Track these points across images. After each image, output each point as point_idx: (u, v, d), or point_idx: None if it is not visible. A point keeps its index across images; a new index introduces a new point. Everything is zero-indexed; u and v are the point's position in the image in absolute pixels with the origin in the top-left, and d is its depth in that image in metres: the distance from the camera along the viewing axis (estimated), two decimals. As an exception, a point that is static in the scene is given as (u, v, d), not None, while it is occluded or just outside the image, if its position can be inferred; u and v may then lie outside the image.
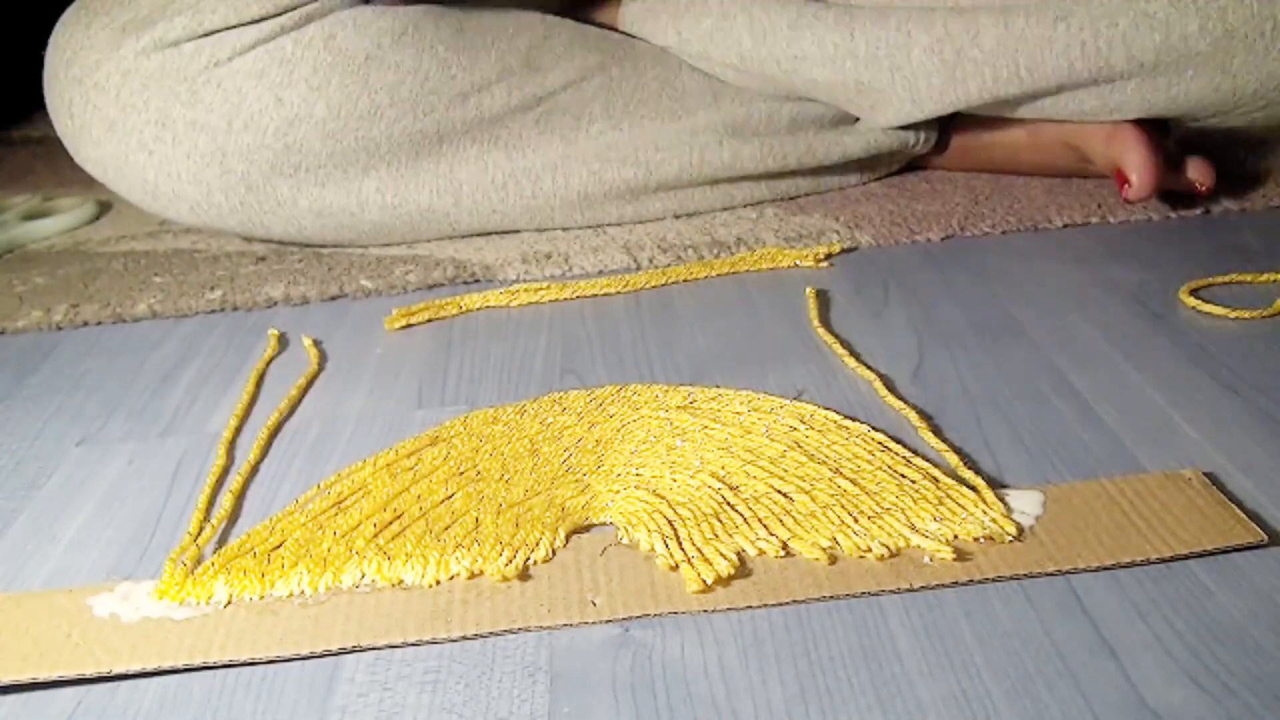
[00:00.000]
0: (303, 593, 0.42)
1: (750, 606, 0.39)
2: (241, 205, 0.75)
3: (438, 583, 0.42)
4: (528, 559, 0.42)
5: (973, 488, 0.44)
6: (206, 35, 0.72)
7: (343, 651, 0.39)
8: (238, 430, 0.55)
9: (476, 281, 0.72)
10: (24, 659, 0.39)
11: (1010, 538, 0.41)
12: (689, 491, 0.46)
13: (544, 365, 0.59)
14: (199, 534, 0.46)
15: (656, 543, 0.42)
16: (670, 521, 0.44)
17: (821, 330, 0.60)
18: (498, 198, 0.77)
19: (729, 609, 0.39)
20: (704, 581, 0.40)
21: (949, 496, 0.44)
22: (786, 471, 0.46)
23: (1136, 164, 0.73)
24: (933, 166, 0.87)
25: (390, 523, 0.45)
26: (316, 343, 0.64)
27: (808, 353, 0.58)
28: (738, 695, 0.35)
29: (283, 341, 0.65)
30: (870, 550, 0.41)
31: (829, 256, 0.71)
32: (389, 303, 0.69)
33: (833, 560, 0.41)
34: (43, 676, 0.38)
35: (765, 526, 0.43)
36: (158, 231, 0.86)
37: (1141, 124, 0.73)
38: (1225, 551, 0.40)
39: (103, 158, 0.76)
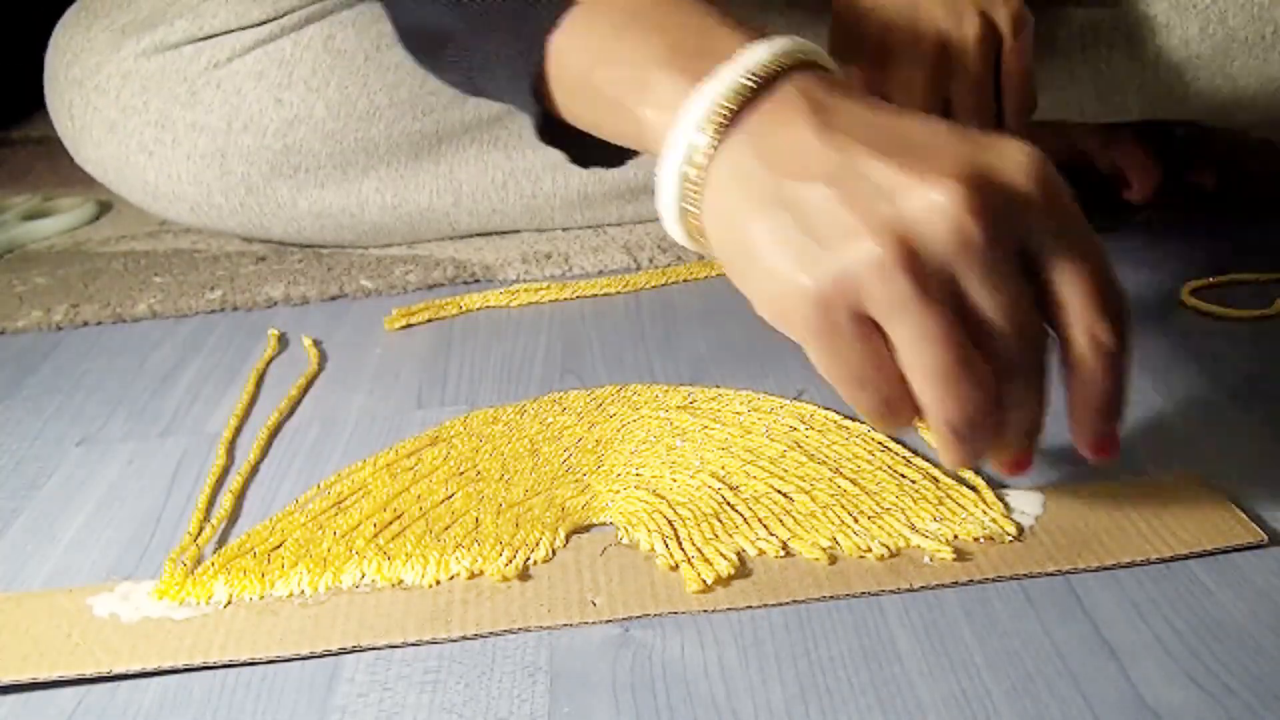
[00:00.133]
0: (303, 593, 0.42)
1: (750, 607, 0.39)
2: (241, 206, 0.75)
3: (438, 583, 0.42)
4: (528, 559, 0.42)
5: (973, 488, 0.44)
6: (206, 38, 0.72)
7: (343, 651, 0.39)
8: (238, 430, 0.55)
9: (476, 281, 0.72)
10: (24, 659, 0.39)
11: (1010, 538, 0.41)
12: (689, 491, 0.46)
13: (544, 365, 0.59)
14: (199, 534, 0.46)
15: (656, 543, 0.42)
16: (670, 521, 0.44)
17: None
18: (498, 198, 0.77)
19: (729, 609, 0.39)
20: (704, 581, 0.40)
21: (949, 496, 0.44)
22: (786, 471, 0.46)
23: (1137, 165, 0.73)
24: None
25: (390, 523, 0.45)
26: (316, 343, 0.64)
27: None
28: (738, 695, 0.35)
29: (283, 341, 0.65)
30: (870, 550, 0.41)
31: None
32: (389, 303, 0.69)
33: (833, 560, 0.41)
34: (43, 676, 0.38)
35: (765, 526, 0.43)
36: (158, 231, 0.86)
37: (1142, 125, 0.73)
38: (1225, 552, 0.40)
39: (103, 159, 0.76)
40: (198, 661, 0.38)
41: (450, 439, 0.51)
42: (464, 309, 0.68)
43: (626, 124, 0.42)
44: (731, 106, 0.37)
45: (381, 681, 0.37)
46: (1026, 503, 0.43)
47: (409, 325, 0.66)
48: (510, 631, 0.39)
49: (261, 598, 0.41)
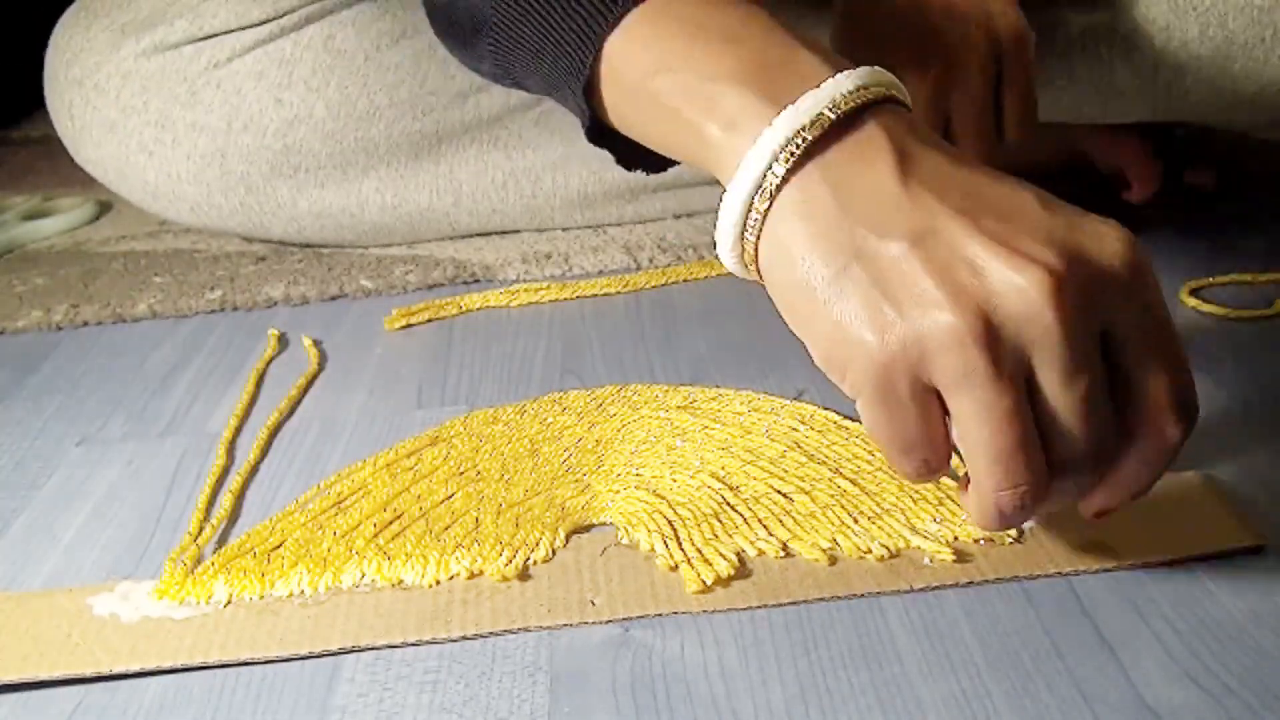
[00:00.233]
0: (302, 593, 0.42)
1: (750, 607, 0.39)
2: (241, 206, 0.75)
3: (437, 583, 0.42)
4: (527, 559, 0.42)
5: (973, 488, 0.44)
6: (206, 38, 0.72)
7: (342, 651, 0.39)
8: (238, 430, 0.55)
9: (476, 281, 0.72)
10: (24, 659, 0.39)
11: (1010, 539, 0.41)
12: (689, 492, 0.46)
13: (544, 365, 0.59)
14: (199, 534, 0.46)
15: (656, 543, 0.42)
16: (670, 522, 0.44)
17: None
18: (498, 198, 0.77)
19: (729, 610, 0.39)
20: (703, 582, 0.40)
21: (949, 497, 0.44)
22: (786, 472, 0.46)
23: (1137, 165, 0.73)
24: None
25: (390, 523, 0.45)
26: (316, 343, 0.64)
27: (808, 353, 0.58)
28: (738, 695, 0.35)
29: (283, 341, 0.65)
30: (870, 551, 0.41)
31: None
32: (389, 303, 0.69)
33: (832, 561, 0.41)
34: (43, 676, 0.38)
35: (765, 527, 0.43)
36: (158, 231, 0.86)
37: (1142, 125, 0.73)
38: (1225, 555, 0.40)
39: (103, 159, 0.76)
40: (197, 661, 0.38)
41: (450, 439, 0.51)
42: (464, 309, 0.68)
43: (684, 136, 0.40)
44: (813, 138, 0.36)
45: (381, 681, 0.37)
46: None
47: (409, 325, 0.66)
48: (510, 632, 0.39)
49: (261, 598, 0.41)
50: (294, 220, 0.76)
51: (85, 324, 0.70)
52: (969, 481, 0.36)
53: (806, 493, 0.45)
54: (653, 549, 0.42)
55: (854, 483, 0.45)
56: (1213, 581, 0.39)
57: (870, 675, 0.36)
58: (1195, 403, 0.35)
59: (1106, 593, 0.39)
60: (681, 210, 0.80)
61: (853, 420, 0.50)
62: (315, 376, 0.60)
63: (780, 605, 0.39)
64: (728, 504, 0.45)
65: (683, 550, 0.42)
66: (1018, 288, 0.33)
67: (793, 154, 0.36)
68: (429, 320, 0.67)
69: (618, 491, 0.46)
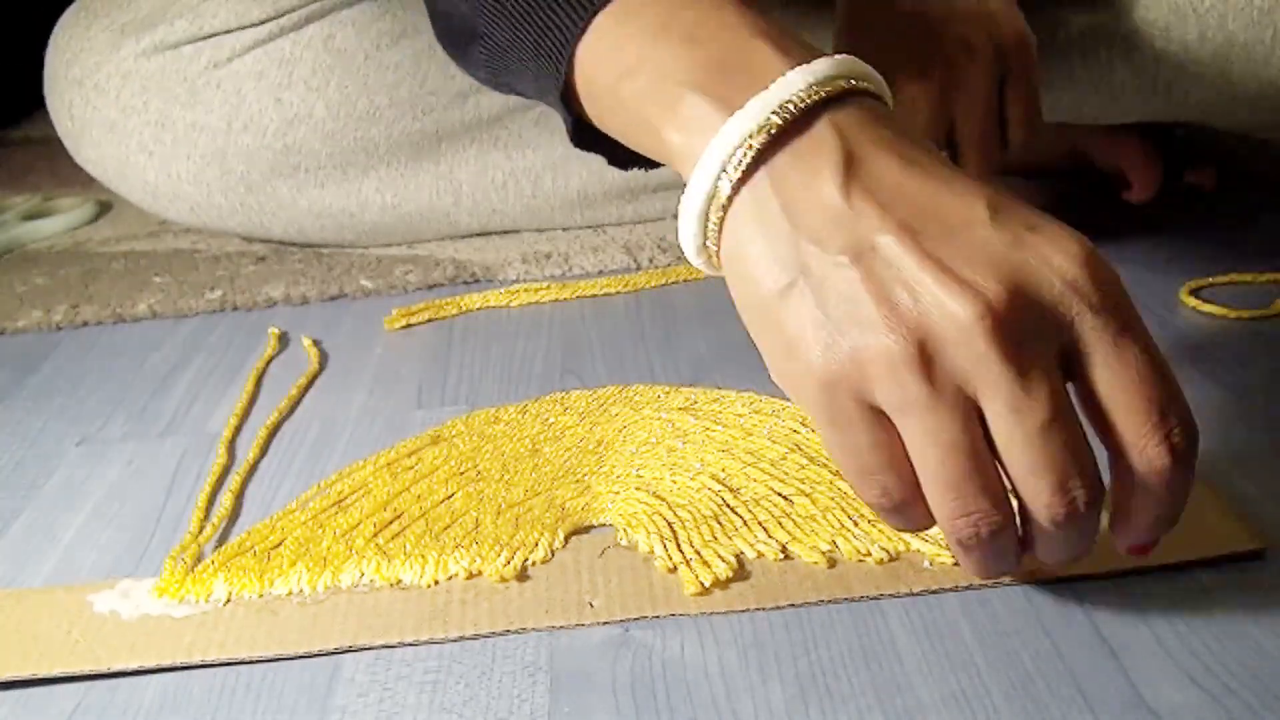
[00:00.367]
0: (301, 592, 0.42)
1: (748, 610, 0.39)
2: (242, 206, 0.75)
3: (436, 583, 0.42)
4: (526, 560, 0.42)
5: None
6: (206, 38, 0.72)
7: (340, 651, 0.39)
8: (238, 430, 0.55)
9: (476, 281, 0.72)
10: (24, 656, 0.39)
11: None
12: (689, 493, 0.46)
13: (544, 365, 0.59)
14: (199, 533, 0.46)
15: (655, 544, 0.42)
16: (670, 523, 0.44)
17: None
18: (498, 198, 0.77)
19: (727, 612, 0.39)
20: (702, 584, 0.40)
21: (949, 497, 0.44)
22: (787, 474, 0.46)
23: (1137, 165, 0.73)
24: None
25: (390, 522, 0.45)
26: (316, 343, 0.64)
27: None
28: (738, 695, 0.35)
29: (283, 341, 0.65)
30: (870, 554, 0.41)
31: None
32: (389, 303, 0.69)
33: (832, 564, 0.41)
34: (43, 673, 0.38)
35: (765, 529, 0.43)
36: (158, 231, 0.86)
37: (1142, 125, 0.73)
38: (1225, 559, 0.40)
39: (103, 159, 0.76)
40: (196, 660, 0.38)
41: (451, 439, 0.51)
42: (464, 309, 0.68)
43: (652, 140, 0.39)
44: (760, 144, 0.35)
45: (381, 681, 0.37)
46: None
47: (409, 325, 0.66)
48: (510, 632, 0.39)
49: (260, 596, 0.41)
50: (294, 220, 0.76)
51: (85, 324, 0.70)
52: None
53: (807, 495, 0.45)
54: (652, 550, 0.42)
55: (854, 483, 0.45)
56: (1213, 582, 0.39)
57: (870, 675, 0.36)
58: (1185, 419, 0.33)
59: (1106, 593, 0.39)
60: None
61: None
62: (315, 376, 0.60)
63: (780, 608, 0.39)
64: (728, 506, 0.45)
65: (681, 552, 0.42)
66: (951, 315, 0.32)
67: (740, 162, 0.35)
68: (429, 320, 0.67)
69: (617, 493, 0.46)
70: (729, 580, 0.40)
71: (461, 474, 0.48)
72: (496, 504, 0.46)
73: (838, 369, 0.33)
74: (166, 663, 0.38)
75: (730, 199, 0.36)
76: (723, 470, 0.47)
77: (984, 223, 0.33)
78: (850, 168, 0.34)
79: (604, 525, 0.45)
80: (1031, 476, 0.32)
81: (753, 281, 0.36)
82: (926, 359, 0.32)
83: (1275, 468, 0.45)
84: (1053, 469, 0.32)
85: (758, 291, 0.35)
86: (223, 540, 0.46)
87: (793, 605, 0.39)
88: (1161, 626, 0.37)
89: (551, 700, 0.36)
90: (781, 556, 0.41)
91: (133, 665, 0.38)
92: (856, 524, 0.43)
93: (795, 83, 0.35)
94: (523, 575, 0.42)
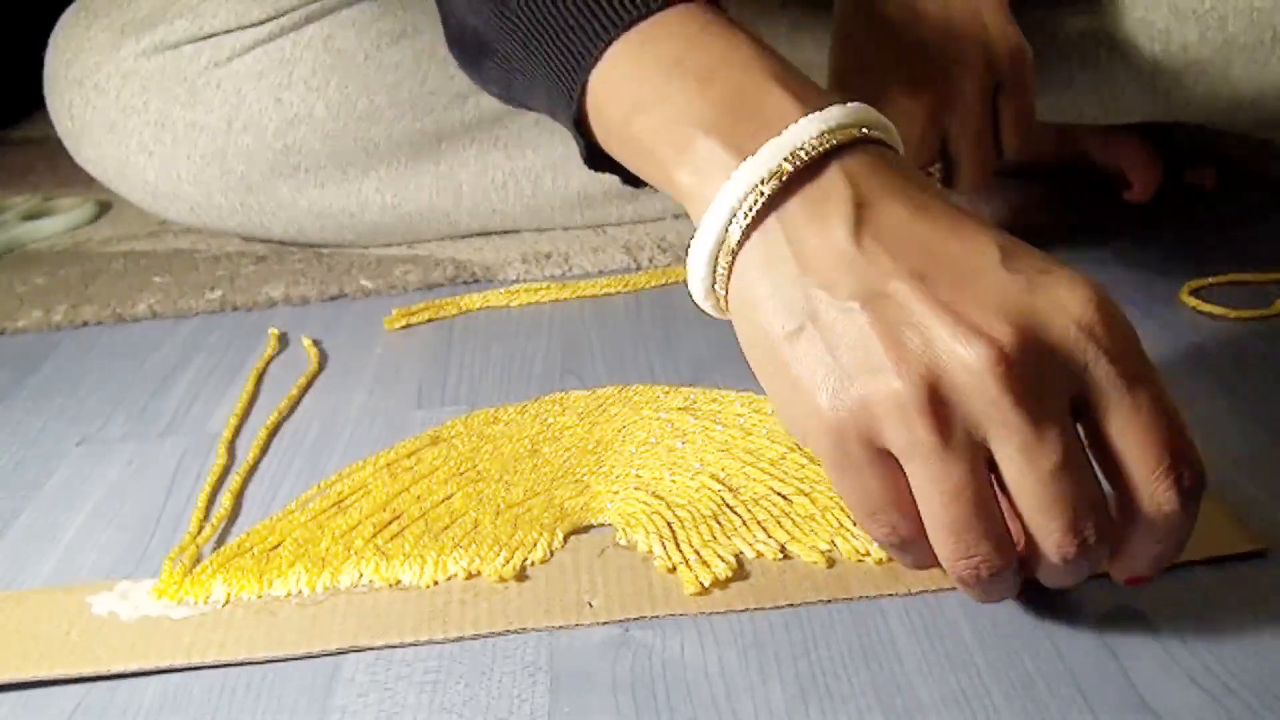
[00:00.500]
0: (300, 592, 0.42)
1: (748, 610, 0.39)
2: (242, 206, 0.75)
3: (435, 583, 0.42)
4: (525, 560, 0.42)
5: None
6: (206, 38, 0.72)
7: (340, 652, 0.39)
8: (238, 430, 0.55)
9: (476, 281, 0.72)
10: (24, 657, 0.39)
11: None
12: (688, 493, 0.46)
13: (544, 365, 0.59)
14: (198, 534, 0.46)
15: (655, 544, 0.42)
16: (669, 523, 0.44)
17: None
18: (498, 198, 0.77)
19: (727, 612, 0.39)
20: (701, 584, 0.40)
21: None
22: (787, 474, 0.46)
23: (1137, 165, 0.73)
24: (933, 167, 0.87)
25: (389, 523, 0.45)
26: (316, 343, 0.64)
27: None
28: (738, 695, 0.35)
29: (283, 341, 0.65)
30: (869, 554, 0.41)
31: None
32: (389, 303, 0.69)
33: (831, 564, 0.41)
34: (42, 675, 0.38)
35: (764, 529, 0.43)
36: (158, 231, 0.86)
37: (1142, 125, 0.73)
38: (1226, 559, 0.40)
39: (103, 159, 0.76)
40: (195, 661, 0.38)
41: (450, 439, 0.51)
42: (464, 309, 0.68)
43: (662, 177, 0.39)
44: (771, 190, 0.35)
45: (381, 682, 0.37)
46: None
47: (409, 325, 0.66)
48: (510, 632, 0.39)
49: (259, 597, 0.41)
50: (294, 220, 0.76)
51: (85, 324, 0.70)
52: None
53: (806, 495, 0.45)
54: (651, 550, 0.42)
55: (854, 483, 0.45)
56: (1213, 582, 0.39)
57: (870, 675, 0.36)
58: (1195, 466, 0.33)
59: (1106, 593, 0.39)
60: (681, 210, 0.80)
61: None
62: (315, 376, 0.60)
63: (779, 608, 0.39)
64: (727, 505, 0.45)
65: (681, 552, 0.42)
66: (963, 361, 0.32)
67: (751, 209, 0.35)
68: (429, 320, 0.67)
69: (617, 492, 0.46)
70: (728, 580, 0.40)
71: (461, 474, 0.48)
72: (496, 504, 0.46)
73: (846, 414, 0.33)
74: (166, 664, 0.38)
75: (740, 244, 0.36)
76: (722, 470, 0.47)
77: (995, 267, 0.33)
78: (861, 214, 0.35)
79: (603, 525, 0.45)
80: (1043, 517, 0.33)
81: (761, 325, 0.36)
82: (936, 403, 0.32)
83: (1275, 468, 0.45)
84: (1065, 511, 0.32)
85: (766, 335, 0.35)
86: (222, 541, 0.46)
87: (792, 605, 0.39)
88: (1162, 627, 0.37)
89: (551, 700, 0.36)
90: (781, 556, 0.41)
91: (132, 667, 0.38)
92: (855, 524, 0.42)
93: (808, 129, 0.35)
94: (522, 575, 0.42)
